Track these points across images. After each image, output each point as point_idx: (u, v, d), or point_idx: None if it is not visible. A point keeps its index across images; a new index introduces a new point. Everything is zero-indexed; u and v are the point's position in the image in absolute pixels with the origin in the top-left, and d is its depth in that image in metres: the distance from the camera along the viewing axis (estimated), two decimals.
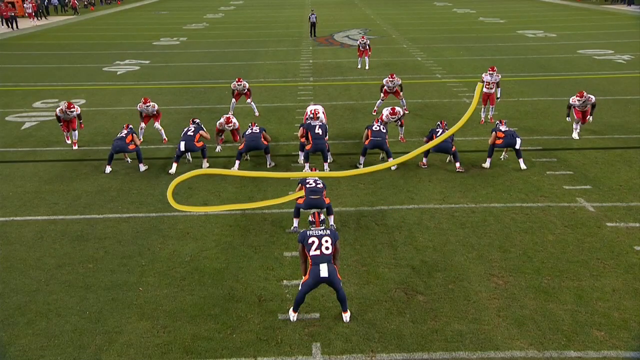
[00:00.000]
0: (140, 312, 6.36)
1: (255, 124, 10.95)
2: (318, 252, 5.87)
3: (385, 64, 20.23)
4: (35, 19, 37.06)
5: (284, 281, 6.87)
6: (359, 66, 19.88)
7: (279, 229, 8.21)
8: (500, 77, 13.00)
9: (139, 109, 12.03)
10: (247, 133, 10.60)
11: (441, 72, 19.21)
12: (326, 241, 5.92)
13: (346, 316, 6.08)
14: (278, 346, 5.76)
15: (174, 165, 10.54)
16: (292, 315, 6.10)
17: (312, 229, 6.12)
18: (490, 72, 12.91)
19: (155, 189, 9.78)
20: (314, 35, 28.16)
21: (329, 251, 5.89)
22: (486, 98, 12.90)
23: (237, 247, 7.74)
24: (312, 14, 28.39)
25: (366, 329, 5.97)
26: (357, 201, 9.13)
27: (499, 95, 13.23)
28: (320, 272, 5.80)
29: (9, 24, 33.36)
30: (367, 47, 19.47)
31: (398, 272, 7.03)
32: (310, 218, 6.28)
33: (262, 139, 10.55)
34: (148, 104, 11.91)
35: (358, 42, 19.83)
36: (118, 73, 20.15)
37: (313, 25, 28.14)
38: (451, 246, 7.67)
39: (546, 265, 7.17)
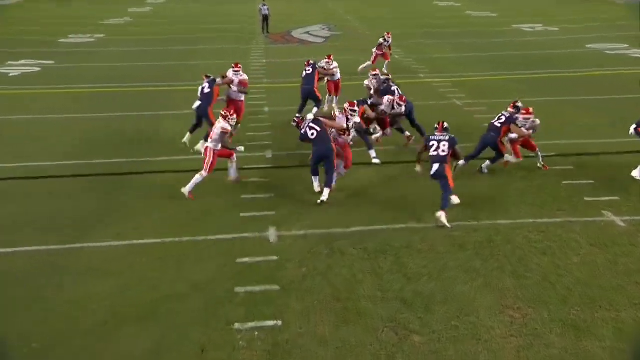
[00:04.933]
0: None
1: None
2: None
3: (356, 63, 20.26)
4: None
5: (236, 324, 6.41)
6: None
7: (228, 257, 7.81)
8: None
9: None
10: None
11: (424, 71, 19.50)
12: None
13: None
14: None
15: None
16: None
17: None
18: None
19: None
20: (267, 32, 28.27)
21: None
22: None
23: (169, 283, 7.29)
24: (264, 6, 28.50)
25: None
26: (326, 221, 8.88)
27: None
28: None
29: None
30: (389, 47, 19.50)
31: (385, 307, 6.76)
32: None
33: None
34: None
35: (381, 41, 19.33)
36: (10, 75, 19.84)
37: (265, 18, 28.28)
38: (450, 272, 7.50)
39: (573, 293, 7.04)
